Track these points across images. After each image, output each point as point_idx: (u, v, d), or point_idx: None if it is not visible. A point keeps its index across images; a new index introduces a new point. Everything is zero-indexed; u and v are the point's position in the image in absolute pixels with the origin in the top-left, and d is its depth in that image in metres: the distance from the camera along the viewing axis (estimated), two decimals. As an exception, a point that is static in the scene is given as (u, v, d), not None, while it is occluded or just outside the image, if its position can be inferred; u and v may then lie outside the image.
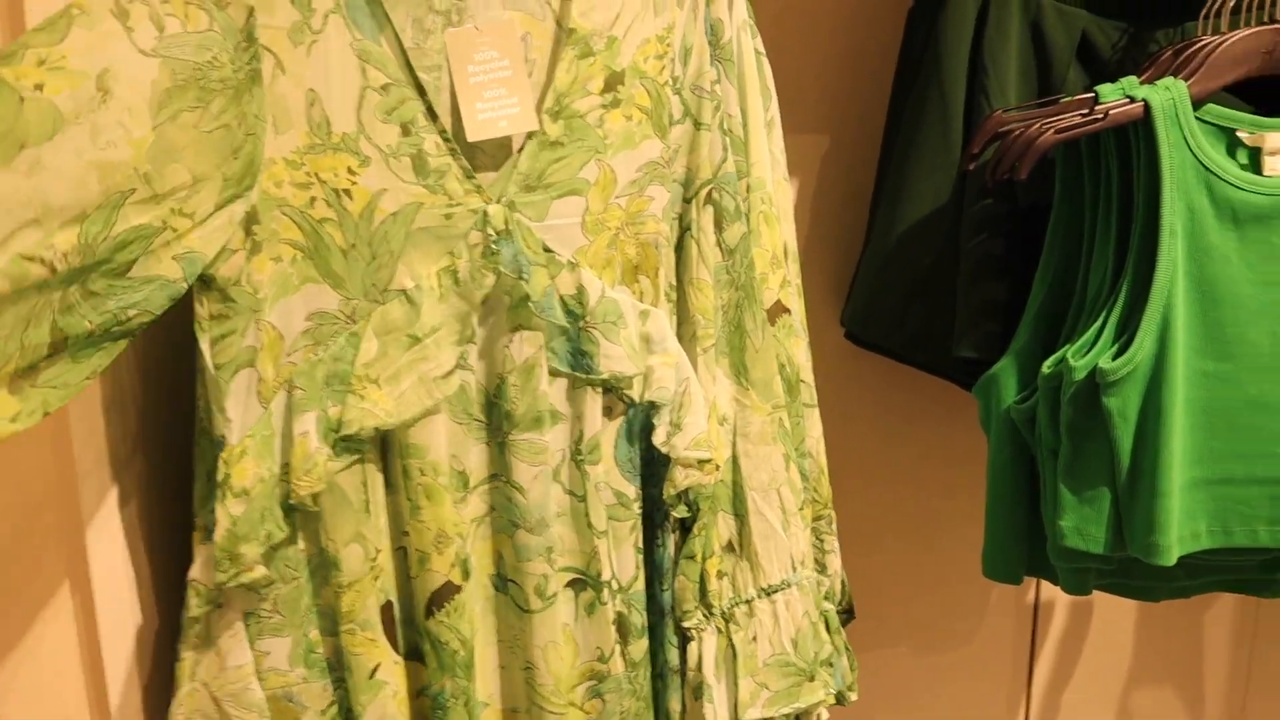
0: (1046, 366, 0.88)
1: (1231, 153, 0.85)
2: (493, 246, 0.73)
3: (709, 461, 0.78)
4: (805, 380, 0.87)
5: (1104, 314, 0.86)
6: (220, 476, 0.70)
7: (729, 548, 0.83)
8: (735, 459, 0.82)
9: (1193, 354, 0.84)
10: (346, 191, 0.70)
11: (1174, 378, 0.83)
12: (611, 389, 0.77)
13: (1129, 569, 0.93)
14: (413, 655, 0.78)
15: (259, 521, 0.70)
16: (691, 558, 0.81)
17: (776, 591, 0.84)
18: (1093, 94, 0.86)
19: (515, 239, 0.73)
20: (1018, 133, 0.83)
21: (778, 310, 0.84)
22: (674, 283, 0.81)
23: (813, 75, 1.12)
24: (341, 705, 0.75)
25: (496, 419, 0.76)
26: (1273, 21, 0.87)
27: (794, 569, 0.84)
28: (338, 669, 0.75)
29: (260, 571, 0.70)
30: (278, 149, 0.69)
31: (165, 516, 0.79)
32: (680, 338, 0.81)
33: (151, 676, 0.77)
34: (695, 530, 0.81)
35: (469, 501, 0.77)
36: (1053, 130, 0.81)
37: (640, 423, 0.79)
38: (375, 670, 0.75)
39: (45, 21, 0.59)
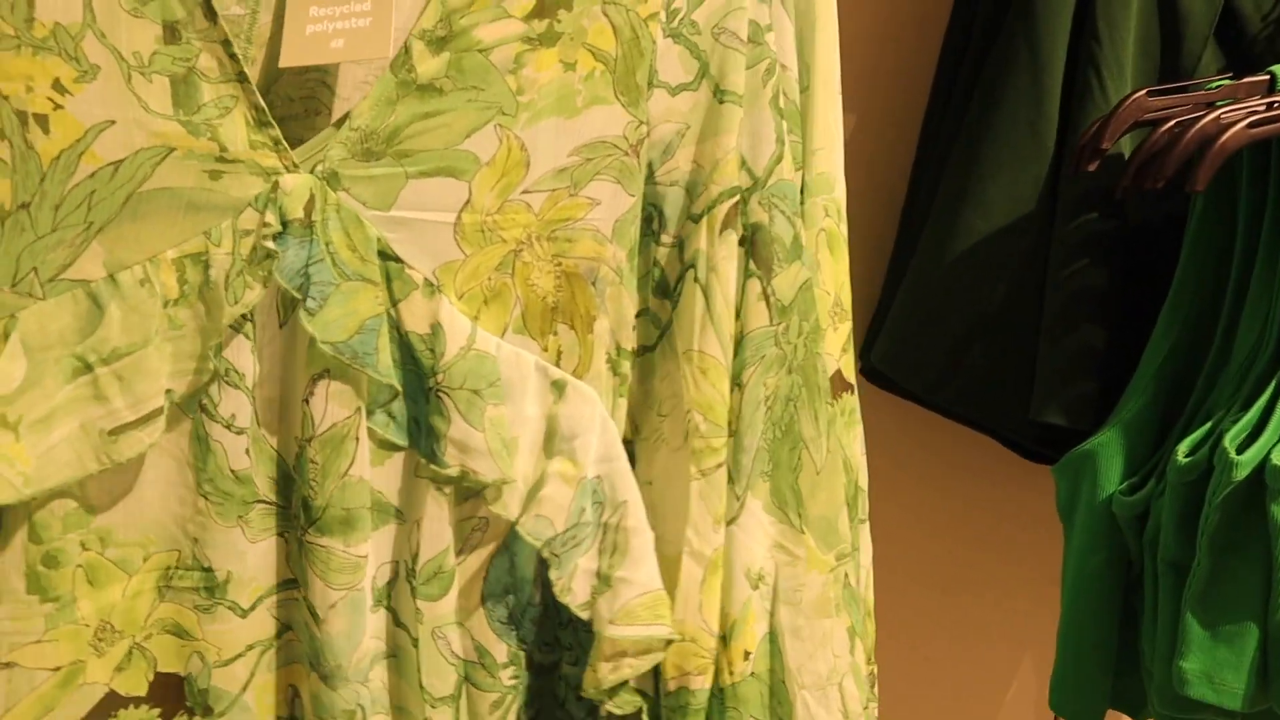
0: (1183, 453, 0.64)
1: None
2: (266, 245, 0.47)
3: (665, 641, 0.52)
4: (862, 487, 0.60)
5: (1272, 387, 0.62)
6: None
7: None
8: (774, 638, 0.55)
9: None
10: (40, 119, 0.46)
11: (1367, 482, 0.60)
12: (475, 495, 0.50)
13: (1255, 721, 0.71)
14: None
15: None
16: None
17: None
18: (1269, 76, 0.62)
19: (321, 235, 0.47)
20: (1179, 125, 0.58)
21: (837, 388, 0.57)
22: (624, 347, 0.53)
23: (845, 50, 0.86)
24: None
25: (296, 503, 0.50)
26: None
27: None
28: None
29: None
30: None
31: None
32: (651, 442, 0.54)
33: None
34: None
35: (217, 614, 0.50)
36: (1244, 124, 0.56)
37: (527, 550, 0.52)
38: None
39: None
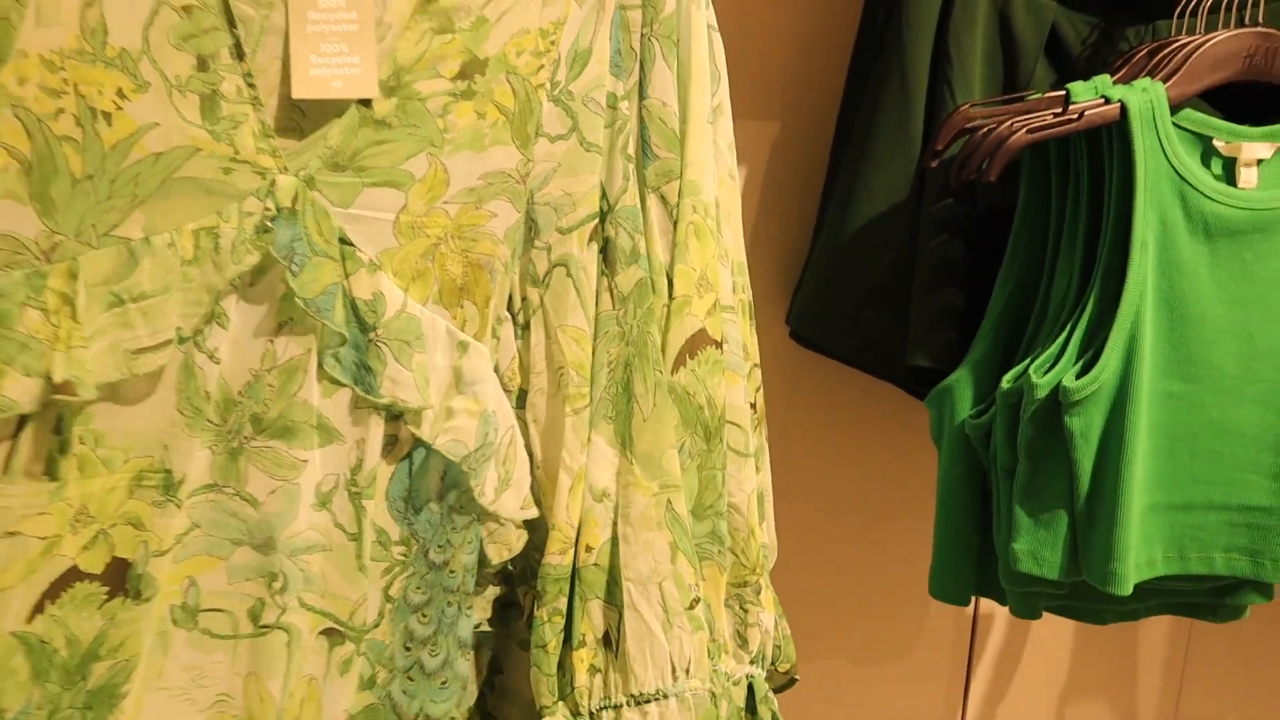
0: (1006, 381, 0.83)
1: (1206, 162, 0.81)
2: (267, 223, 0.62)
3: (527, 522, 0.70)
4: (736, 423, 0.75)
5: (1068, 328, 0.81)
6: None
7: (604, 640, 0.72)
8: (614, 542, 0.71)
9: (1158, 374, 0.80)
10: (106, 115, 0.59)
11: (1139, 399, 0.79)
12: (397, 418, 0.67)
13: (1079, 592, 0.89)
14: None
15: None
16: (542, 646, 0.71)
17: (649, 701, 0.72)
18: (1064, 92, 0.80)
19: (301, 221, 0.63)
20: (986, 131, 0.77)
21: (700, 341, 0.72)
22: (501, 318, 0.71)
23: (762, 52, 1.04)
24: None
25: (236, 421, 0.65)
26: (1253, 24, 0.82)
27: (674, 677, 0.72)
28: None
29: None
30: (35, 42, 0.58)
31: None
32: (535, 390, 0.71)
33: None
34: (543, 616, 0.70)
35: (166, 509, 0.64)
36: (1025, 130, 0.75)
37: (423, 463, 0.68)
38: None
39: None
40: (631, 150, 0.70)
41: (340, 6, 0.65)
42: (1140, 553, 0.83)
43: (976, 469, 0.89)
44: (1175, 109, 0.80)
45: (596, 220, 0.69)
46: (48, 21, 0.58)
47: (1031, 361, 0.81)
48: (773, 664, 0.84)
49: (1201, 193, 0.79)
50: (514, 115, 0.66)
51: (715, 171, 0.74)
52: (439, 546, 0.69)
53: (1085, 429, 0.79)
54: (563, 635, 0.71)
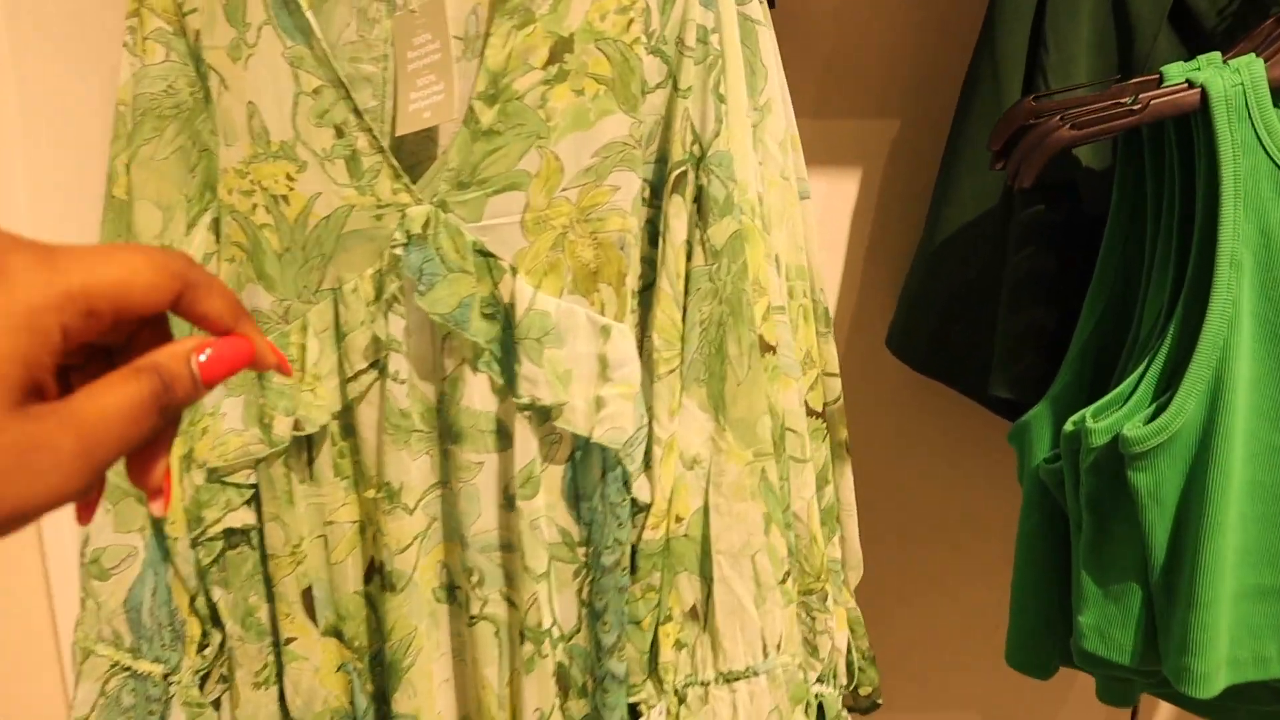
0: (1069, 423, 0.70)
1: (1336, 158, 0.63)
2: (395, 252, 0.67)
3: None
4: (793, 429, 0.70)
5: (1145, 362, 0.67)
6: (183, 450, 0.72)
7: (692, 614, 0.69)
8: (706, 511, 0.68)
9: (1258, 422, 0.64)
10: (284, 197, 0.69)
11: (1228, 452, 0.63)
12: (549, 415, 0.67)
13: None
14: (331, 633, 0.75)
15: (219, 490, 0.72)
16: (637, 623, 0.69)
17: (740, 679, 0.69)
18: (1156, 76, 0.66)
19: (432, 243, 0.67)
20: (1032, 128, 0.66)
21: (760, 348, 0.68)
22: (634, 290, 0.69)
23: (881, 44, 0.96)
24: (274, 671, 0.75)
25: (442, 427, 0.71)
26: None
27: (765, 654, 0.69)
28: (273, 635, 0.75)
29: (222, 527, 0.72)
30: (229, 160, 0.69)
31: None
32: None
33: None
34: (637, 592, 0.69)
35: (395, 514, 0.71)
36: (1069, 126, 0.63)
37: (584, 458, 0.68)
38: (291, 642, 0.74)
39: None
40: (724, 90, 0.66)
41: (427, 40, 0.69)
42: (1242, 646, 0.67)
43: (1057, 520, 0.76)
44: (1288, 93, 0.63)
45: (683, 169, 0.65)
46: (231, 141, 0.69)
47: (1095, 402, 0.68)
48: (853, 687, 0.79)
49: (1327, 197, 0.62)
50: (614, 81, 0.64)
51: (759, 169, 0.70)
52: (609, 547, 0.68)
53: (1155, 487, 0.65)
54: (656, 611, 0.70)
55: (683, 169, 0.66)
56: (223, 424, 0.71)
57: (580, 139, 0.65)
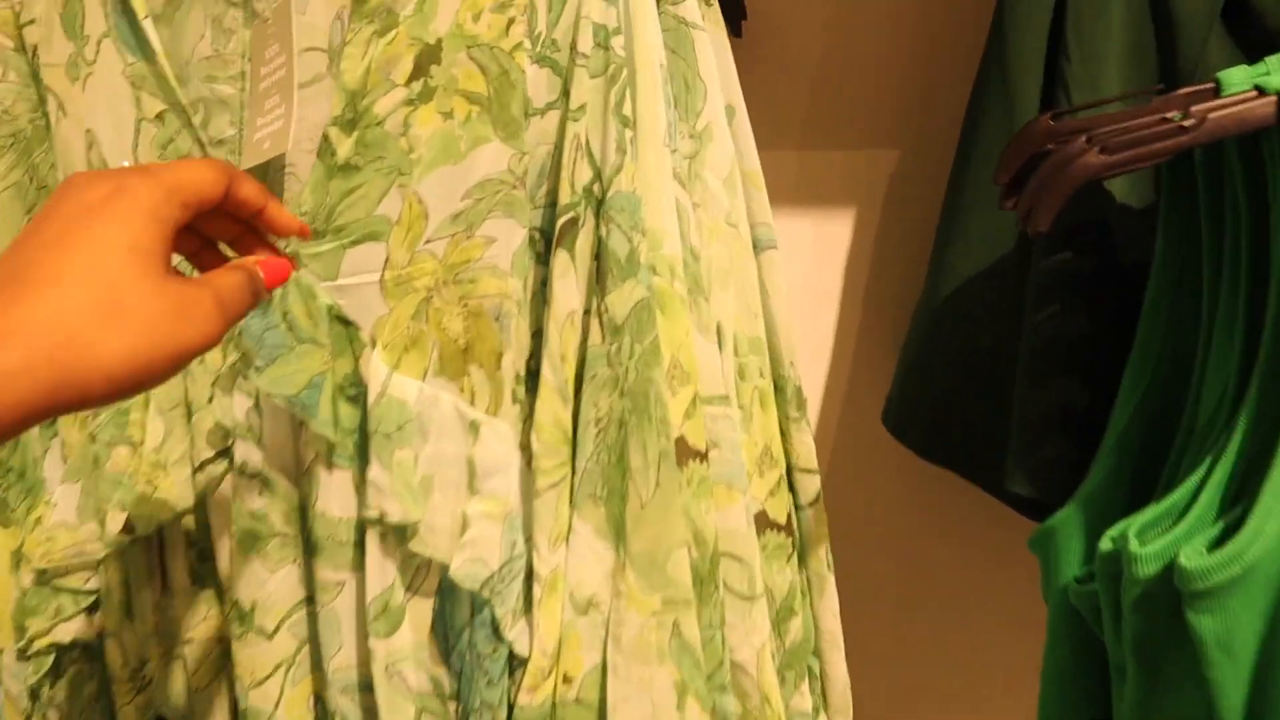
0: (1107, 539, 0.53)
1: None
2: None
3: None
4: (734, 555, 0.55)
5: (1207, 462, 0.50)
6: (15, 544, 0.61)
7: None
8: (604, 670, 0.52)
9: (1370, 553, 0.47)
10: None
11: (1327, 592, 0.47)
12: (405, 536, 0.53)
13: None
14: None
15: (49, 595, 0.60)
16: None
17: None
18: (1211, 84, 0.50)
19: (278, 306, 0.53)
20: (1041, 160, 0.50)
21: (683, 454, 0.53)
22: (522, 374, 0.54)
23: (877, 67, 0.81)
24: None
25: (306, 531, 0.57)
26: None
27: None
28: None
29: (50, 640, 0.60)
30: None
31: None
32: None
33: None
34: None
35: (247, 639, 0.57)
36: (1098, 150, 0.47)
37: (460, 592, 0.53)
38: None
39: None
40: (628, 110, 0.51)
41: (275, 53, 0.58)
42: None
43: (1091, 650, 0.60)
44: None
45: (569, 215, 0.51)
46: (69, 171, 0.60)
47: (1140, 515, 0.52)
48: None
49: None
50: (489, 100, 0.51)
51: (693, 215, 0.55)
52: (475, 710, 0.53)
53: (1225, 635, 0.48)
54: None
55: (571, 215, 0.51)
56: (52, 515, 0.59)
57: (448, 175, 0.51)
